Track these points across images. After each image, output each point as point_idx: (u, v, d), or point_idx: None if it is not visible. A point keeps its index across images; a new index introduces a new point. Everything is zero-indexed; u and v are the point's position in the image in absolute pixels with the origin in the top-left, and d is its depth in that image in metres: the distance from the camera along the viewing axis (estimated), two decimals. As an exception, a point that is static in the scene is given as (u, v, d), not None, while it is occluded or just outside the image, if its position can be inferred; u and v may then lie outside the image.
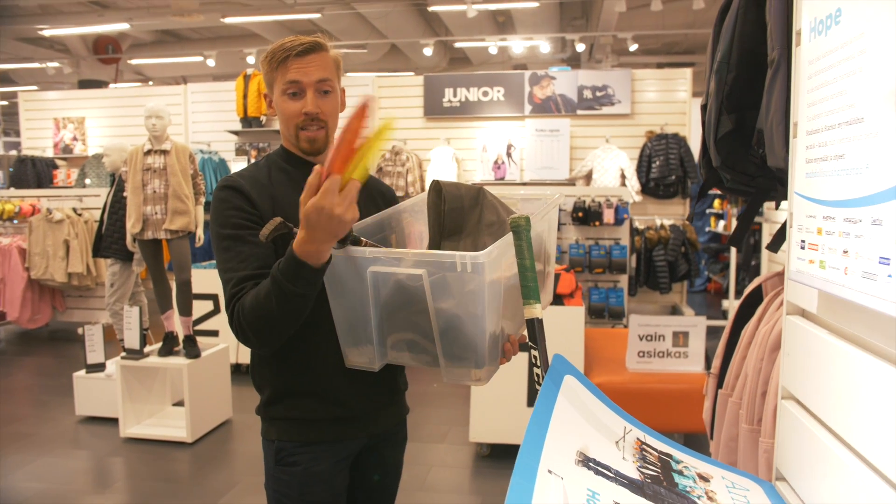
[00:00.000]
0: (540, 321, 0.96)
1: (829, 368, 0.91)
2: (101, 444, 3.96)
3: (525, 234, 0.97)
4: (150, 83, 13.53)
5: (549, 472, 0.78)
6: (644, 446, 0.99)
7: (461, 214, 1.33)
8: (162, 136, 3.97)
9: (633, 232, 6.24)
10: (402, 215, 1.49)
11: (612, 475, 0.86)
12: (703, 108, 1.48)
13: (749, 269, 6.68)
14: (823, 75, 0.83)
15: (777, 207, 1.43)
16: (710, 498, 0.91)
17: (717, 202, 8.43)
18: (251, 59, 9.29)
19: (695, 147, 6.97)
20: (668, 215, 6.91)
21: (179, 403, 4.42)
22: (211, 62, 9.79)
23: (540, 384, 0.95)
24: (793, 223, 0.96)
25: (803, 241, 0.91)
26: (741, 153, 1.27)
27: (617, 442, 0.96)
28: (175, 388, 4.42)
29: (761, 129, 1.17)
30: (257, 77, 7.59)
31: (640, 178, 6.88)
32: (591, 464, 0.85)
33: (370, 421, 1.47)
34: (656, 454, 0.99)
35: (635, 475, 0.89)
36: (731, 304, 6.35)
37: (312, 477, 1.40)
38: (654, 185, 6.87)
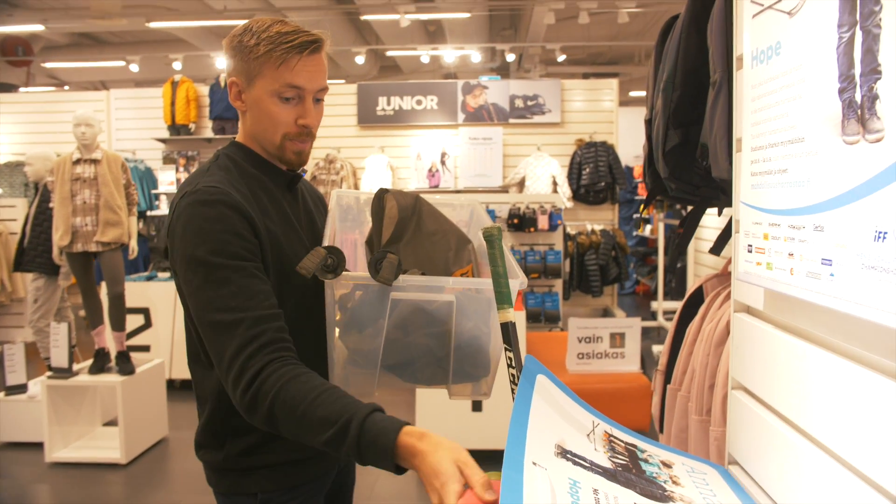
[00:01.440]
0: (513, 324, 1.02)
1: (777, 359, 1.01)
2: (25, 471, 3.73)
3: (497, 243, 1.03)
4: (66, 88, 12.85)
5: (534, 463, 0.84)
6: (612, 438, 1.07)
7: (401, 223, 1.31)
8: (92, 144, 3.82)
9: (566, 237, 6.46)
10: (335, 224, 1.48)
11: (588, 465, 0.93)
12: (648, 122, 1.59)
13: (675, 271, 7.03)
14: (766, 98, 0.93)
15: (719, 214, 1.56)
16: (674, 482, 0.99)
17: (643, 208, 8.82)
18: (177, 65, 8.99)
19: (622, 154, 7.29)
20: (599, 220, 7.19)
21: (110, 423, 4.24)
22: (134, 67, 9.41)
23: (515, 384, 1.01)
24: (739, 229, 1.07)
25: (750, 246, 1.01)
26: (686, 165, 1.39)
27: (588, 434, 1.03)
28: (106, 408, 4.24)
29: (705, 144, 1.28)
30: (185, 83, 7.38)
31: (570, 185, 7.13)
32: (569, 455, 0.92)
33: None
34: (623, 445, 1.07)
35: (608, 464, 0.96)
36: (660, 306, 6.66)
37: None
38: (585, 192, 7.13)
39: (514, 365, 1.02)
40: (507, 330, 1.01)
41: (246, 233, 1.09)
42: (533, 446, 0.87)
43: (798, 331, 0.97)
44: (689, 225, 1.53)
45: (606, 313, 7.26)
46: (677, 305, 7.37)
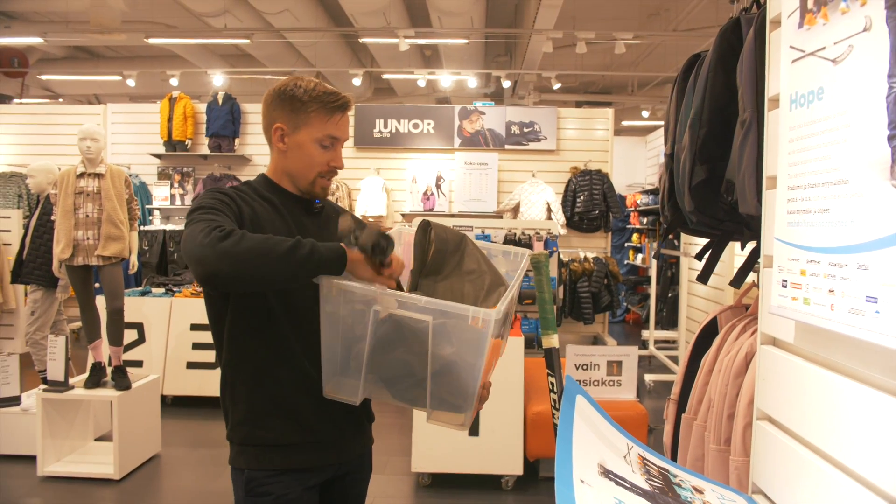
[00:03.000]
0: (557, 350, 1.05)
1: (807, 390, 1.05)
2: (17, 484, 3.66)
3: (545, 269, 1.07)
4: (60, 100, 12.81)
5: (582, 481, 0.86)
6: (646, 461, 1.10)
7: (443, 256, 1.38)
8: (96, 158, 3.82)
9: (560, 264, 6.51)
10: None
11: (629, 486, 0.95)
12: (669, 156, 1.64)
13: (666, 300, 7.10)
14: (806, 140, 0.98)
15: (742, 248, 1.60)
16: (710, 508, 1.02)
17: (635, 236, 8.93)
18: (174, 82, 9.02)
19: (615, 183, 7.40)
20: (592, 248, 7.26)
21: (102, 438, 4.18)
22: (131, 82, 9.43)
23: (557, 408, 1.04)
24: (771, 264, 1.11)
25: (785, 281, 1.05)
26: (711, 199, 1.43)
27: (624, 457, 1.06)
28: (98, 423, 4.17)
29: (731, 179, 1.33)
30: (183, 100, 7.40)
31: (565, 212, 7.20)
32: (611, 475, 0.95)
33: (338, 448, 1.48)
34: (657, 468, 1.09)
35: (646, 486, 0.99)
36: (651, 335, 6.72)
37: None
38: (579, 219, 7.21)
39: (555, 390, 1.05)
40: (551, 356, 1.04)
41: (235, 212, 1.30)
42: (579, 465, 0.90)
43: (831, 364, 1.01)
44: (712, 257, 1.58)
45: (597, 341, 7.30)
46: (668, 335, 7.39)
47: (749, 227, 1.40)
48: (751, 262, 1.47)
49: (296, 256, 1.15)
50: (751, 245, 1.34)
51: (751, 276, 1.61)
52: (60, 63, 11.11)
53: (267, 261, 1.15)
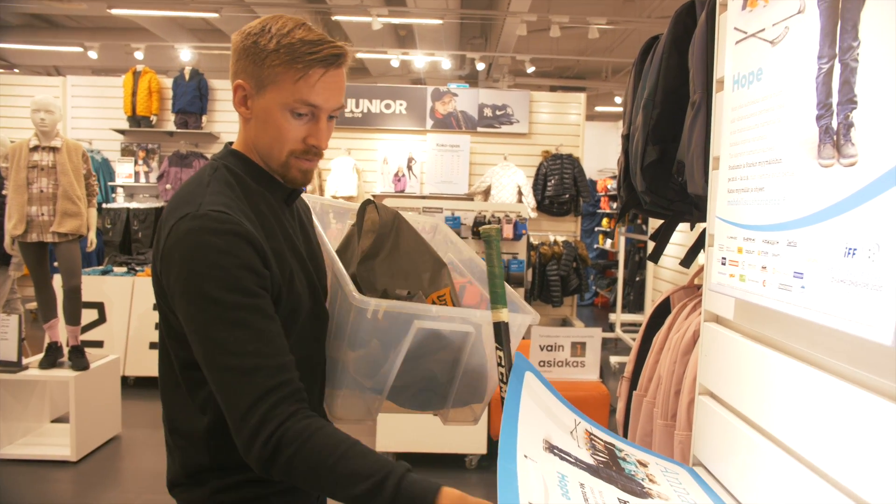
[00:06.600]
0: (506, 324, 1.06)
1: (743, 366, 1.08)
2: (-32, 466, 3.59)
3: (496, 244, 1.07)
4: (16, 70, 12.39)
5: (525, 457, 0.87)
6: (592, 436, 1.11)
7: (380, 238, 1.27)
8: (51, 131, 3.71)
9: (529, 247, 6.55)
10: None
11: (573, 460, 0.97)
12: (625, 137, 1.65)
13: (634, 284, 7.20)
14: (746, 121, 1.00)
15: (692, 229, 1.63)
16: (651, 480, 1.04)
17: (605, 221, 9.02)
18: (139, 55, 8.77)
19: (587, 168, 7.45)
20: (561, 232, 7.32)
21: (59, 420, 4.11)
22: (93, 54, 9.14)
23: (505, 382, 1.05)
24: (713, 243, 1.13)
25: (724, 258, 1.07)
26: (663, 180, 1.45)
27: (571, 432, 1.07)
28: (55, 404, 4.10)
29: (681, 160, 1.34)
30: (148, 74, 7.21)
31: (535, 196, 7.24)
32: (556, 450, 0.96)
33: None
34: (603, 443, 1.11)
35: (591, 461, 1.00)
36: (618, 318, 6.82)
37: None
38: (549, 203, 7.25)
39: (503, 364, 1.06)
40: (500, 329, 1.05)
41: (258, 266, 0.99)
42: (524, 440, 0.91)
43: (765, 339, 1.03)
44: (663, 237, 1.60)
45: (565, 323, 7.38)
46: (635, 318, 7.53)
47: (697, 208, 1.42)
48: (700, 243, 1.50)
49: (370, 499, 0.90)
50: (701, 226, 1.36)
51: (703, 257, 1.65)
52: (17, 31, 10.70)
53: (320, 489, 0.94)
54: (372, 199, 1.35)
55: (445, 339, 1.15)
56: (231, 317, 0.94)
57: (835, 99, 0.79)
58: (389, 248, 1.27)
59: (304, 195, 1.32)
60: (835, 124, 0.79)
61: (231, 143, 1.16)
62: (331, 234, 1.39)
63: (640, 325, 7.05)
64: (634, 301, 7.37)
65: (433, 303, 1.25)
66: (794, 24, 0.87)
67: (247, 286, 0.96)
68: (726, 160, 1.07)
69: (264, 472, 0.94)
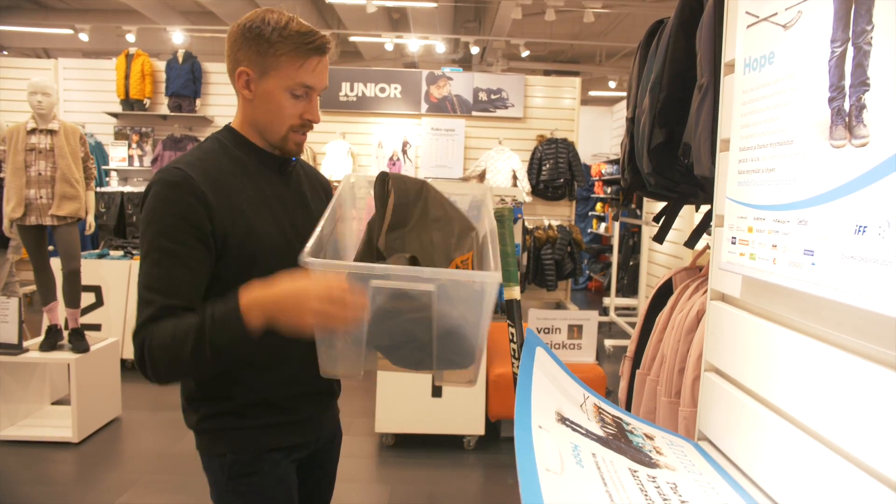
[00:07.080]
0: (518, 302, 1.09)
1: (749, 341, 1.11)
2: (-30, 448, 3.61)
3: (508, 223, 1.09)
4: (5, 53, 12.21)
5: (540, 427, 0.91)
6: (601, 410, 1.15)
7: (406, 208, 1.33)
8: (48, 114, 3.68)
9: (524, 231, 6.59)
10: (342, 209, 1.46)
11: (584, 432, 1.00)
12: (630, 120, 1.68)
13: (628, 268, 7.26)
14: (758, 103, 1.02)
15: (697, 210, 1.66)
16: (658, 452, 1.08)
17: (599, 205, 9.06)
18: (131, 38, 8.67)
19: (581, 152, 7.47)
20: (556, 216, 7.36)
21: (59, 402, 4.13)
22: (84, 36, 9.03)
23: (517, 358, 1.08)
24: (723, 223, 1.16)
25: (734, 238, 1.10)
26: (669, 162, 1.48)
27: (581, 405, 1.11)
28: (55, 386, 4.11)
29: (688, 143, 1.37)
30: (141, 57, 7.14)
31: (530, 180, 7.26)
32: (567, 422, 1.00)
33: (316, 424, 1.46)
34: (611, 417, 1.15)
35: (601, 433, 1.04)
36: (612, 302, 6.88)
37: (275, 482, 1.34)
38: (544, 187, 7.27)
39: (515, 340, 1.09)
40: (512, 307, 1.08)
41: (197, 218, 1.17)
42: (537, 412, 0.94)
43: (771, 316, 1.07)
44: (668, 218, 1.63)
45: (559, 307, 7.44)
46: (629, 302, 7.59)
47: (703, 189, 1.45)
48: (704, 224, 1.53)
49: (203, 347, 1.09)
50: (705, 208, 1.39)
51: (704, 241, 1.68)
52: (5, 13, 10.54)
53: (187, 364, 1.12)
54: (387, 171, 1.38)
55: (415, 298, 1.15)
56: (154, 256, 1.15)
57: (847, 81, 0.82)
58: (418, 217, 1.31)
59: (354, 174, 1.48)
60: (847, 106, 0.82)
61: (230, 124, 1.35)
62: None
63: (634, 308, 7.12)
64: (628, 285, 7.43)
65: (457, 267, 1.26)
66: (806, 7, 0.89)
67: (175, 234, 1.15)
68: (737, 142, 1.10)
69: (150, 377, 1.15)
